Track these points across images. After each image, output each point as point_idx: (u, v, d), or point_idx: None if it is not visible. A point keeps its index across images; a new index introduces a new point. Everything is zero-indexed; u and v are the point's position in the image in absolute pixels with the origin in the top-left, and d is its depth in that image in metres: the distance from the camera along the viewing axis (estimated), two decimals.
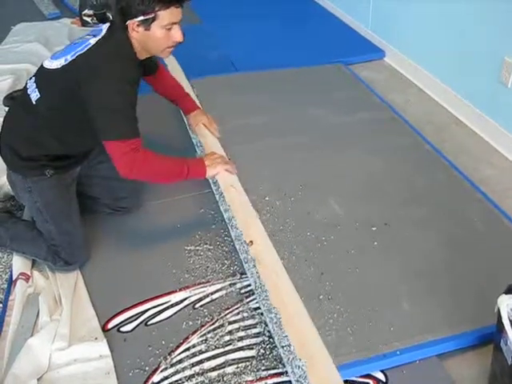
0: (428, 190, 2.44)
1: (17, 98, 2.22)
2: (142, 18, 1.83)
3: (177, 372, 1.73)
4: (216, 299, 1.98)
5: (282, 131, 2.87)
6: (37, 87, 2.01)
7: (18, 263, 2.15)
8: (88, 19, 3.18)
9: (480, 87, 2.92)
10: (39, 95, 1.99)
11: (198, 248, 2.21)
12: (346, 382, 1.67)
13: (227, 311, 1.94)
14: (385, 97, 3.25)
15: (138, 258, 2.19)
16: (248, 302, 1.96)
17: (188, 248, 2.21)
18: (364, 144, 2.68)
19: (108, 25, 1.99)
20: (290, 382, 1.68)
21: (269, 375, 1.72)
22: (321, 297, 1.91)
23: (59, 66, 1.95)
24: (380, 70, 3.66)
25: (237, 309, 1.94)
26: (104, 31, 1.97)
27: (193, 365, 1.75)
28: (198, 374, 1.73)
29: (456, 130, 3.00)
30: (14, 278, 2.10)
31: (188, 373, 1.73)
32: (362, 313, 1.86)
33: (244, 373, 1.72)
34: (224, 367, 1.74)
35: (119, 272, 2.13)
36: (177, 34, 1.93)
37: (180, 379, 1.71)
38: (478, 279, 1.97)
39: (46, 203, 2.10)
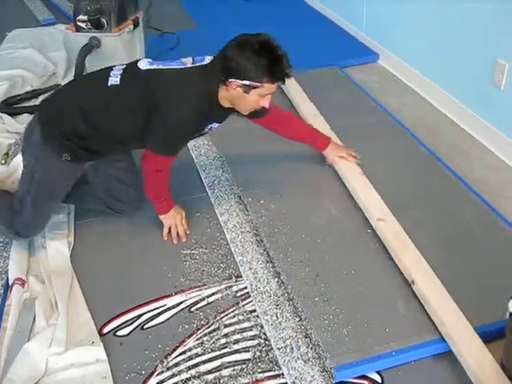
0: (423, 192, 2.45)
1: (92, 74, 2.33)
2: (247, 82, 1.93)
3: (173, 375, 1.74)
4: (212, 302, 1.99)
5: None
6: (120, 75, 2.07)
7: (14, 268, 2.16)
8: (82, 25, 3.18)
9: (474, 89, 2.93)
10: (118, 83, 2.05)
11: (193, 252, 2.21)
12: (341, 383, 1.68)
13: (223, 314, 1.94)
14: (379, 99, 3.26)
15: (133, 262, 2.19)
16: (244, 305, 1.97)
17: (184, 252, 2.21)
18: (359, 146, 2.67)
19: (211, 61, 2.06)
20: (286, 383, 1.68)
21: (265, 377, 1.72)
22: (316, 298, 1.91)
23: (148, 68, 2.07)
24: (374, 72, 3.68)
25: (232, 312, 1.95)
26: (205, 62, 2.06)
27: (189, 368, 1.76)
28: (194, 377, 1.73)
29: (450, 131, 3.01)
30: (9, 284, 2.10)
31: (184, 376, 1.73)
32: (358, 314, 1.86)
33: (240, 375, 1.73)
34: (220, 370, 1.75)
35: (115, 276, 2.14)
36: (266, 102, 2.03)
37: (176, 382, 1.71)
38: (473, 280, 1.97)
39: (42, 179, 2.13)
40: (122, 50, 3.33)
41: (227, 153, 2.73)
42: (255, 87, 1.94)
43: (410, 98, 3.37)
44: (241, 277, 2.07)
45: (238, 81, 1.93)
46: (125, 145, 2.24)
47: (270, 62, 1.92)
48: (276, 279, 2.04)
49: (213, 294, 2.02)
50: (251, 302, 1.97)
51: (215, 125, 2.18)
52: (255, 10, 4.68)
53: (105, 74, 2.10)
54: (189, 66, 2.06)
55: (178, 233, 2.28)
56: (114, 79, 2.06)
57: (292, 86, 3.23)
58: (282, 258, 2.09)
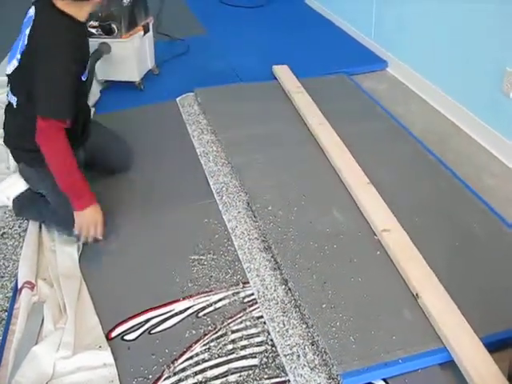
0: (430, 199, 2.45)
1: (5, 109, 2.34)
2: None
3: (180, 380, 1.74)
4: (219, 308, 2.00)
5: (285, 141, 2.88)
6: (11, 93, 2.17)
7: (23, 272, 2.17)
8: (93, 30, 3.20)
9: (482, 97, 2.93)
10: (16, 99, 2.15)
11: (201, 257, 2.22)
12: None
13: (230, 320, 1.95)
14: (387, 107, 3.26)
15: (141, 267, 2.20)
16: (251, 311, 1.97)
17: (192, 257, 2.22)
18: (366, 154, 2.69)
19: (33, 9, 2.07)
20: None
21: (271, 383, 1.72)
22: (323, 305, 1.91)
23: (15, 67, 2.09)
24: (383, 80, 3.68)
25: (240, 318, 1.95)
26: (32, 15, 2.05)
27: (196, 373, 1.76)
28: (200, 382, 1.73)
29: (458, 139, 3.01)
30: (19, 287, 2.11)
31: (191, 381, 1.74)
32: (365, 321, 1.86)
33: (247, 381, 1.73)
34: (227, 376, 1.75)
35: (123, 280, 2.15)
36: None
37: None
38: (480, 288, 1.97)
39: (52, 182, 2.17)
40: (132, 55, 3.35)
41: (235, 159, 2.73)
42: None
43: (418, 105, 3.37)
44: (248, 283, 2.08)
45: None
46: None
47: None
48: (283, 286, 2.04)
49: (220, 300, 2.02)
50: (258, 308, 1.97)
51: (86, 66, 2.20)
52: (263, 16, 4.70)
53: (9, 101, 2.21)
54: (28, 32, 2.04)
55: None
56: (13, 99, 2.16)
57: (299, 93, 3.24)
58: (289, 264, 2.09)
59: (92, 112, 2.98)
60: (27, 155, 2.24)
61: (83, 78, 2.18)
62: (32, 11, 2.08)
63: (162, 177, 2.72)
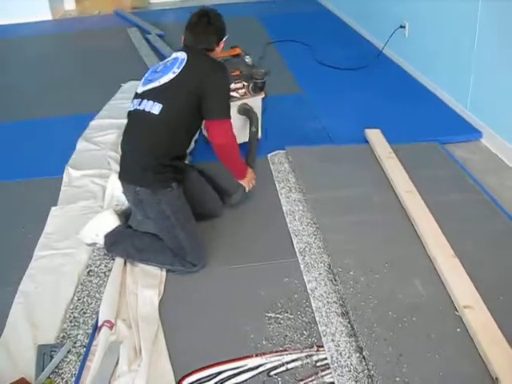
0: None
1: (128, 128, 2.62)
2: (226, 36, 2.66)
3: None
4: (291, 369, 2.00)
5: (372, 206, 2.90)
6: (155, 101, 2.46)
7: (105, 310, 2.27)
8: (233, 93, 3.22)
9: None
10: (161, 105, 2.44)
11: (278, 316, 2.24)
12: None
13: (301, 382, 1.95)
14: (479, 179, 3.20)
15: (218, 319, 2.25)
16: (323, 376, 1.97)
17: (269, 315, 2.25)
18: (454, 225, 2.65)
19: (180, 51, 2.61)
20: None
21: None
22: (397, 379, 1.88)
23: (171, 78, 2.47)
24: (476, 151, 3.62)
25: (311, 381, 1.95)
26: (184, 53, 2.57)
27: None
28: None
29: None
30: (99, 325, 2.21)
31: None
32: None
33: None
34: None
35: (199, 330, 2.20)
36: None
37: None
38: None
39: (174, 211, 2.46)
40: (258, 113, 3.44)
41: (321, 220, 2.76)
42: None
43: None
44: (322, 347, 2.07)
45: (224, 38, 2.67)
46: (190, 137, 2.69)
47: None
48: (357, 354, 2.03)
49: (293, 361, 2.03)
50: (330, 373, 1.96)
51: None
52: (359, 79, 4.75)
53: (141, 114, 2.49)
54: (184, 59, 2.54)
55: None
56: (156, 107, 2.45)
57: (390, 159, 3.25)
58: (366, 332, 2.08)
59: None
60: (150, 174, 2.45)
61: None
62: (181, 54, 2.57)
63: (247, 230, 2.80)
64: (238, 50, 3.30)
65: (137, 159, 2.49)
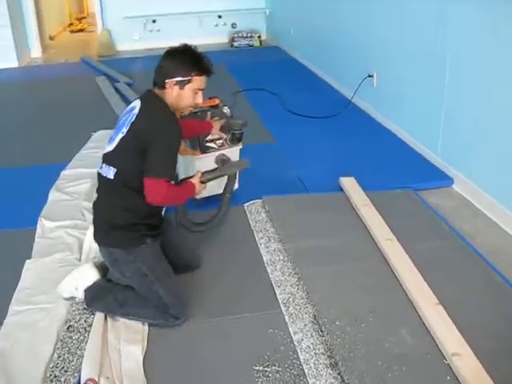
0: (500, 323, 2.40)
1: (97, 189, 2.56)
2: (180, 78, 2.38)
3: None
4: None
5: (352, 255, 2.91)
6: (109, 165, 2.41)
7: (87, 368, 2.19)
8: (211, 144, 3.21)
9: None
10: (116, 169, 2.39)
11: (266, 369, 2.21)
12: None
13: None
14: (454, 225, 3.26)
15: (204, 375, 2.20)
16: None
17: (256, 368, 2.21)
18: (434, 272, 2.68)
19: (138, 98, 2.51)
20: None
21: None
22: None
23: (120, 140, 2.39)
24: (448, 197, 3.69)
25: None
26: (139, 101, 2.46)
27: None
28: None
29: None
30: (81, 383, 2.12)
31: None
32: None
33: None
34: None
35: None
36: (199, 98, 2.48)
37: None
38: None
39: (151, 267, 2.42)
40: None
41: (303, 270, 2.75)
42: (188, 82, 2.39)
43: (485, 224, 3.35)
44: None
45: (173, 79, 2.38)
46: None
47: (193, 59, 2.42)
48: None
49: None
50: None
51: None
52: (329, 127, 4.82)
53: (102, 179, 2.47)
54: (137, 111, 2.42)
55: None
56: (110, 172, 2.41)
57: (366, 207, 3.29)
58: (357, 383, 2.06)
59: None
60: (120, 234, 2.41)
61: None
62: (136, 103, 2.47)
63: (228, 281, 2.76)
64: (216, 101, 3.32)
65: (105, 220, 2.47)
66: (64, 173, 3.97)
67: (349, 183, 3.61)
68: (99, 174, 2.49)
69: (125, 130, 2.39)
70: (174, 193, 2.44)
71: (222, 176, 2.93)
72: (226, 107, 3.30)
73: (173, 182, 2.43)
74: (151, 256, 2.47)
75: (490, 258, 2.91)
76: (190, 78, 2.39)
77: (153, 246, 2.48)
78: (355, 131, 4.77)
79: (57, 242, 3.10)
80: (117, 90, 5.96)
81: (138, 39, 8.37)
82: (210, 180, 2.71)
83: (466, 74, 3.62)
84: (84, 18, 12.52)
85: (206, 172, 2.69)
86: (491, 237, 3.22)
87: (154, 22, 8.35)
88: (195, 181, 2.58)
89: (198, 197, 2.74)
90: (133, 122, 2.38)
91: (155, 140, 2.32)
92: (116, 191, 2.43)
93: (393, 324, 2.39)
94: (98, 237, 2.51)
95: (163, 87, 2.41)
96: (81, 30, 10.89)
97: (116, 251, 2.44)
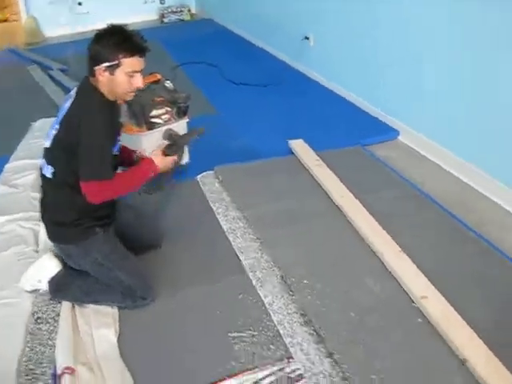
0: (458, 262, 2.51)
1: (41, 186, 2.46)
2: (107, 64, 2.14)
3: None
4: None
5: (311, 215, 2.95)
6: (47, 164, 2.30)
7: (62, 357, 2.16)
8: (157, 120, 3.11)
9: (498, 159, 3.03)
10: (53, 168, 2.27)
11: (241, 334, 2.22)
12: None
13: None
14: (403, 174, 3.34)
15: (182, 348, 2.20)
16: None
17: (232, 335, 2.22)
18: (391, 221, 2.74)
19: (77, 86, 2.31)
20: None
21: None
22: (373, 376, 1.92)
23: (53, 137, 2.26)
24: (396, 148, 3.77)
25: None
26: (74, 91, 2.28)
27: None
28: None
29: (477, 202, 3.09)
30: (58, 373, 2.10)
31: None
32: None
33: None
34: None
35: (165, 363, 2.14)
36: (138, 81, 2.22)
37: None
38: None
39: (105, 255, 2.36)
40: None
41: (264, 234, 2.77)
42: (117, 66, 2.15)
43: (434, 170, 3.46)
44: (292, 357, 2.07)
45: (100, 66, 2.14)
46: None
47: (120, 39, 2.15)
48: (329, 359, 2.04)
49: (267, 376, 2.01)
50: (306, 382, 1.97)
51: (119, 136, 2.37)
52: (271, 94, 4.82)
53: (43, 177, 2.35)
54: (69, 104, 2.24)
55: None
56: (48, 171, 2.29)
57: (318, 166, 3.32)
58: (332, 337, 2.10)
59: None
60: (66, 231, 2.33)
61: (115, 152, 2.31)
62: (72, 93, 2.30)
63: (192, 254, 2.75)
64: (158, 76, 3.26)
65: (50, 218, 2.40)
66: (8, 166, 3.84)
67: (298, 145, 3.64)
68: (41, 170, 2.39)
69: (57, 126, 2.25)
70: (115, 187, 2.24)
71: (185, 144, 2.79)
72: (168, 81, 3.25)
73: (120, 170, 2.34)
74: (103, 244, 2.38)
75: (441, 201, 3.01)
76: (118, 61, 2.14)
77: (105, 233, 2.39)
78: (298, 95, 4.77)
79: (10, 235, 3.01)
80: (51, 77, 5.76)
81: (65, 24, 8.09)
82: (174, 152, 2.53)
83: (397, 22, 3.70)
84: (5, 7, 12.00)
85: (166, 146, 2.53)
86: (439, 181, 3.32)
87: (80, 4, 8.07)
88: (154, 156, 2.40)
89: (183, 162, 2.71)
90: (64, 116, 2.24)
91: (81, 136, 2.14)
92: (57, 190, 2.33)
93: (359, 275, 2.45)
94: (47, 233, 2.45)
95: (94, 75, 2.20)
96: (5, 21, 10.43)
97: (67, 247, 2.39)
